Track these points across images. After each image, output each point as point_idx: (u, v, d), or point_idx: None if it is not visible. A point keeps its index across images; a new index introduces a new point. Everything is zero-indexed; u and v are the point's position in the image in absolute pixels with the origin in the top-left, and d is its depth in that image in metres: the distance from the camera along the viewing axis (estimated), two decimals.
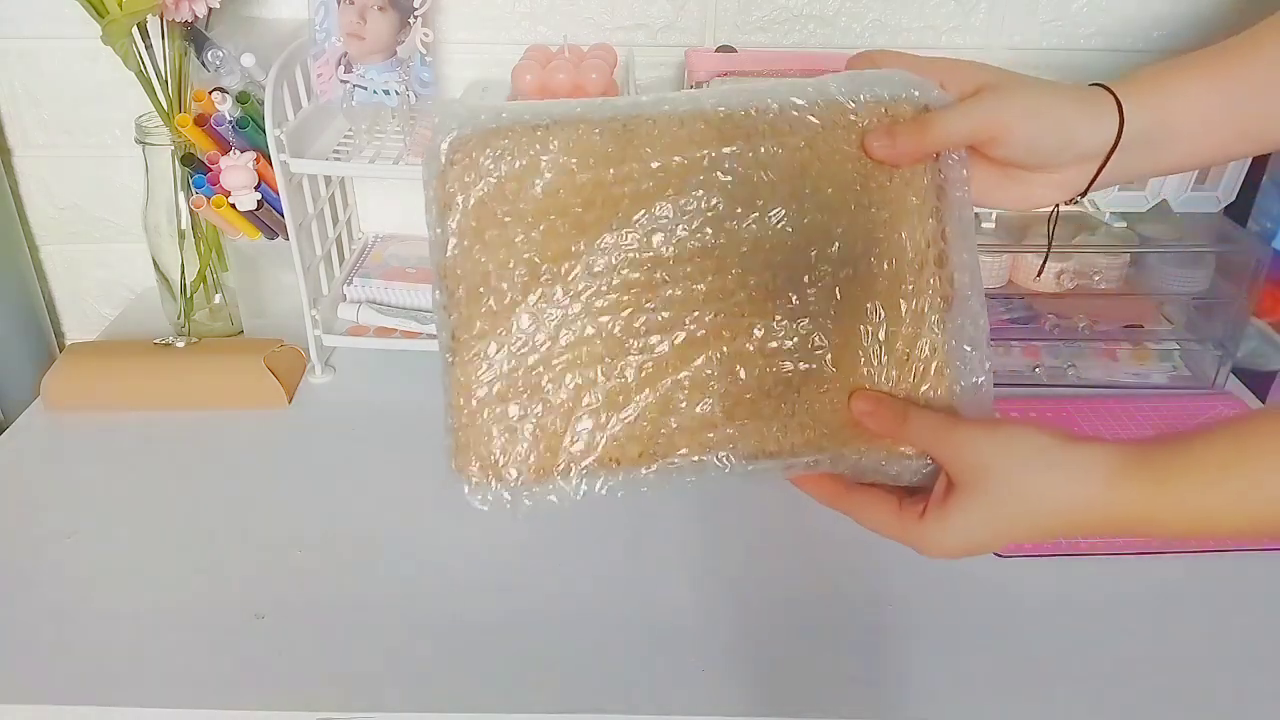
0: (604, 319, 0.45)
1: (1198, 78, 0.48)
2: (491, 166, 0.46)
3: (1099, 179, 0.49)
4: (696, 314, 0.45)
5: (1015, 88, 0.47)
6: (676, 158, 0.44)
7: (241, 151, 0.81)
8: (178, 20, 0.77)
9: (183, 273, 0.89)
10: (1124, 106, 0.47)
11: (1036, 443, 0.42)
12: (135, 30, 0.77)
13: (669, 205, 0.44)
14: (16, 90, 0.94)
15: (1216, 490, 0.38)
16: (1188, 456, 0.39)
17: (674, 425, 0.45)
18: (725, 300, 0.45)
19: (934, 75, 0.47)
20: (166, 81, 0.82)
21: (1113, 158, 0.47)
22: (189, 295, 0.90)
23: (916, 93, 0.45)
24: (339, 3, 0.75)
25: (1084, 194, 0.50)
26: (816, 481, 0.48)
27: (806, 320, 0.45)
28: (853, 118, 0.45)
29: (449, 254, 0.48)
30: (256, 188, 0.82)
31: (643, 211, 0.44)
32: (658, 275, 0.45)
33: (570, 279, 0.45)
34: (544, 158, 0.45)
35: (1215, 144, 0.49)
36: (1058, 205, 0.51)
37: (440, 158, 0.47)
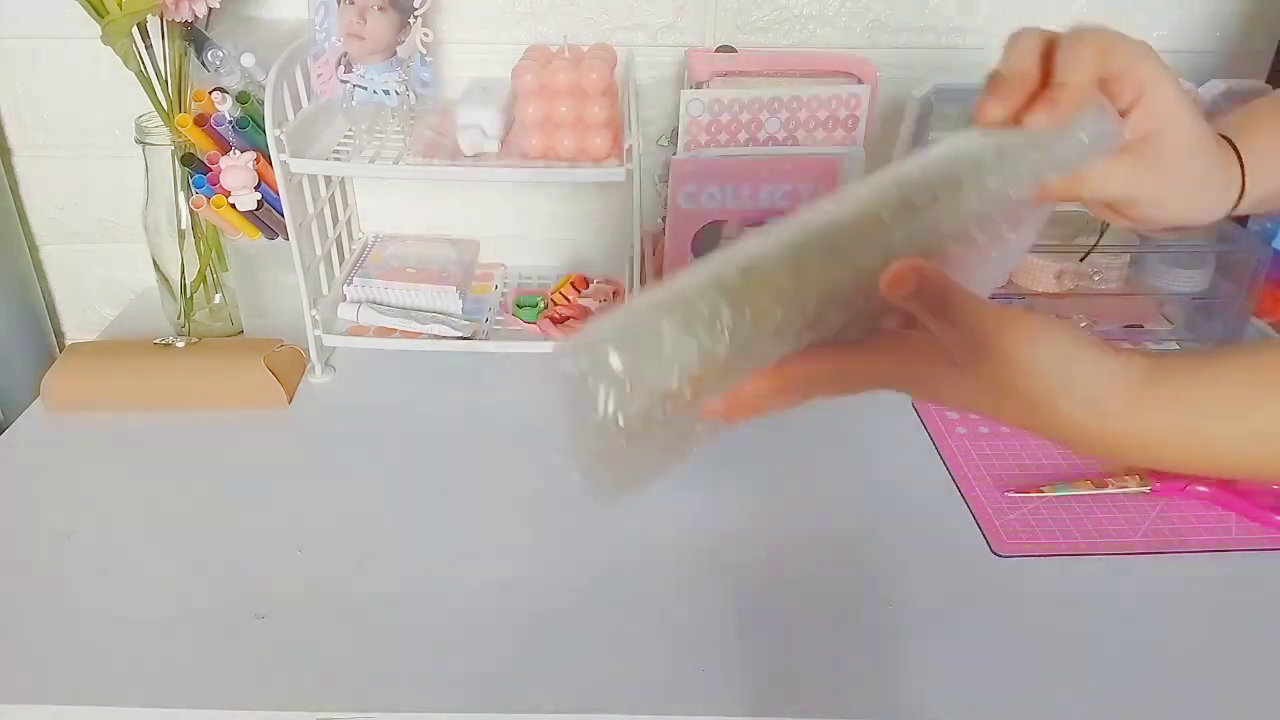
0: None
1: None
2: None
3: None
4: None
5: (1176, 153, 0.45)
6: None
7: (241, 151, 0.81)
8: (178, 20, 0.77)
9: (183, 273, 0.89)
10: (1246, 180, 0.48)
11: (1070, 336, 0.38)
12: (135, 30, 0.77)
13: None
14: (16, 90, 0.94)
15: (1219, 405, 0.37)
16: (1197, 373, 0.38)
17: None
18: None
19: (1121, 88, 0.45)
20: (166, 81, 0.82)
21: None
22: (189, 295, 0.90)
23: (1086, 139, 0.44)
24: (339, 3, 0.75)
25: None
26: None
27: None
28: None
29: None
30: (256, 188, 0.82)
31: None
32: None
33: None
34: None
35: None
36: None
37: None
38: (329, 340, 0.85)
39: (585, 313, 0.88)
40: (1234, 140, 0.49)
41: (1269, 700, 0.58)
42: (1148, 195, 0.46)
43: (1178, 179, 0.46)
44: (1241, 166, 0.48)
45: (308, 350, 0.86)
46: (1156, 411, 0.37)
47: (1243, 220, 0.86)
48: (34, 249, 1.03)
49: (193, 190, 0.82)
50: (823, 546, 0.68)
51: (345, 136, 0.83)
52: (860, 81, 0.84)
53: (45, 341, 1.03)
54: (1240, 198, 0.49)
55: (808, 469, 0.76)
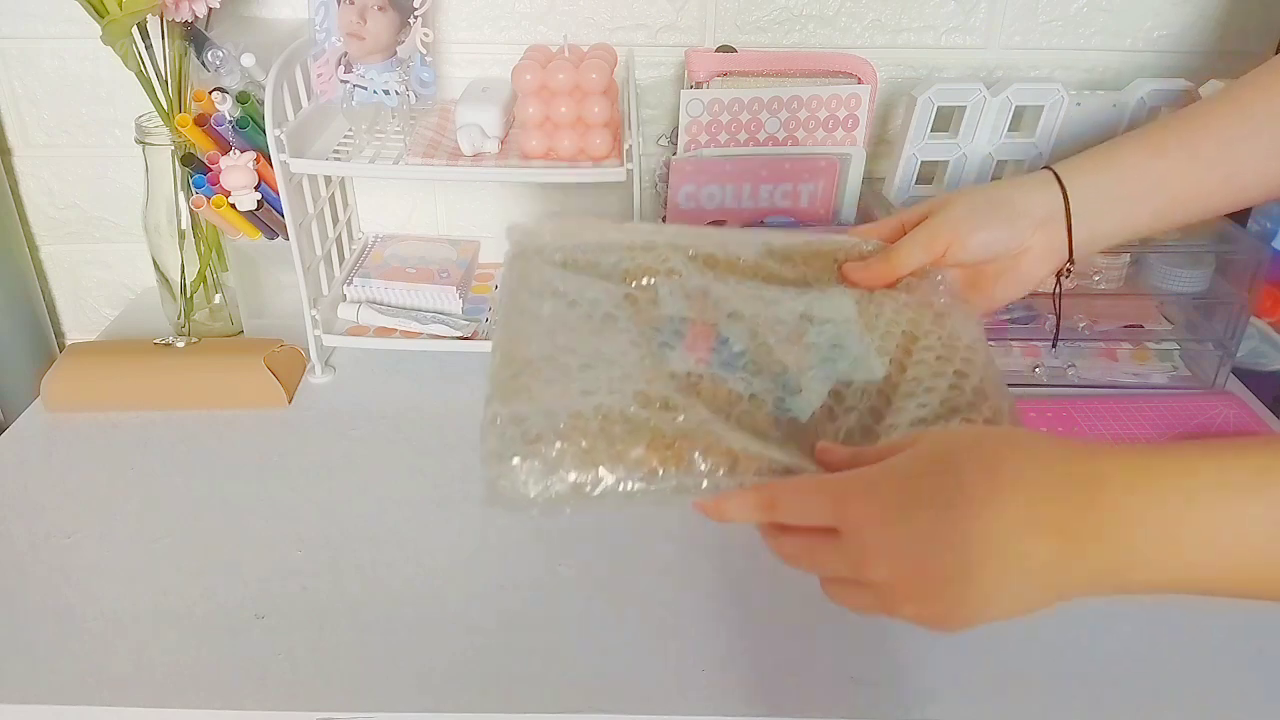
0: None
1: (1136, 147, 0.54)
2: None
3: (1076, 244, 0.54)
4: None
5: (956, 198, 0.54)
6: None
7: (241, 151, 0.81)
8: (178, 20, 0.77)
9: (183, 273, 0.89)
10: (1061, 175, 0.53)
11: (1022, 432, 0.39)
12: (135, 30, 0.77)
13: None
14: (16, 90, 0.94)
15: (1253, 498, 0.33)
16: (1220, 460, 0.35)
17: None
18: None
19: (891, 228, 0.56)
20: (166, 81, 0.82)
21: (1080, 222, 0.53)
22: (189, 295, 0.90)
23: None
24: (339, 3, 0.75)
25: (1072, 261, 0.55)
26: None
27: None
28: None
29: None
30: (256, 188, 0.82)
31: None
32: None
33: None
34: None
35: (1172, 204, 0.54)
36: (1058, 278, 0.57)
37: None
38: (329, 340, 0.85)
39: None
40: (1092, 156, 0.55)
41: (1269, 700, 0.58)
42: (950, 236, 0.53)
43: (960, 214, 0.54)
44: (1056, 173, 0.54)
45: (308, 350, 0.86)
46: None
47: (1242, 220, 0.86)
48: (34, 249, 1.03)
49: (193, 190, 0.82)
50: None
51: (345, 136, 0.83)
52: (860, 81, 0.84)
53: (45, 341, 1.03)
54: (1066, 197, 0.54)
55: None
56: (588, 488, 0.48)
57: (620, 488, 0.48)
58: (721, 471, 0.48)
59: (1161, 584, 0.35)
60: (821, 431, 0.51)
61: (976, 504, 0.36)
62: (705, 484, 0.48)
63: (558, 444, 0.48)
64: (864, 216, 0.90)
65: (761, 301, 0.59)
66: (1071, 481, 0.36)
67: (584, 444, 0.49)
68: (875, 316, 0.56)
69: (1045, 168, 0.55)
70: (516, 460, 0.48)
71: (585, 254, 0.61)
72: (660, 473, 0.48)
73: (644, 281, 0.60)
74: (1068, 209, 0.53)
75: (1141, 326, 0.87)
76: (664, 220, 0.88)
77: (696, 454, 0.48)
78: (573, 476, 0.48)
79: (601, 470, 0.48)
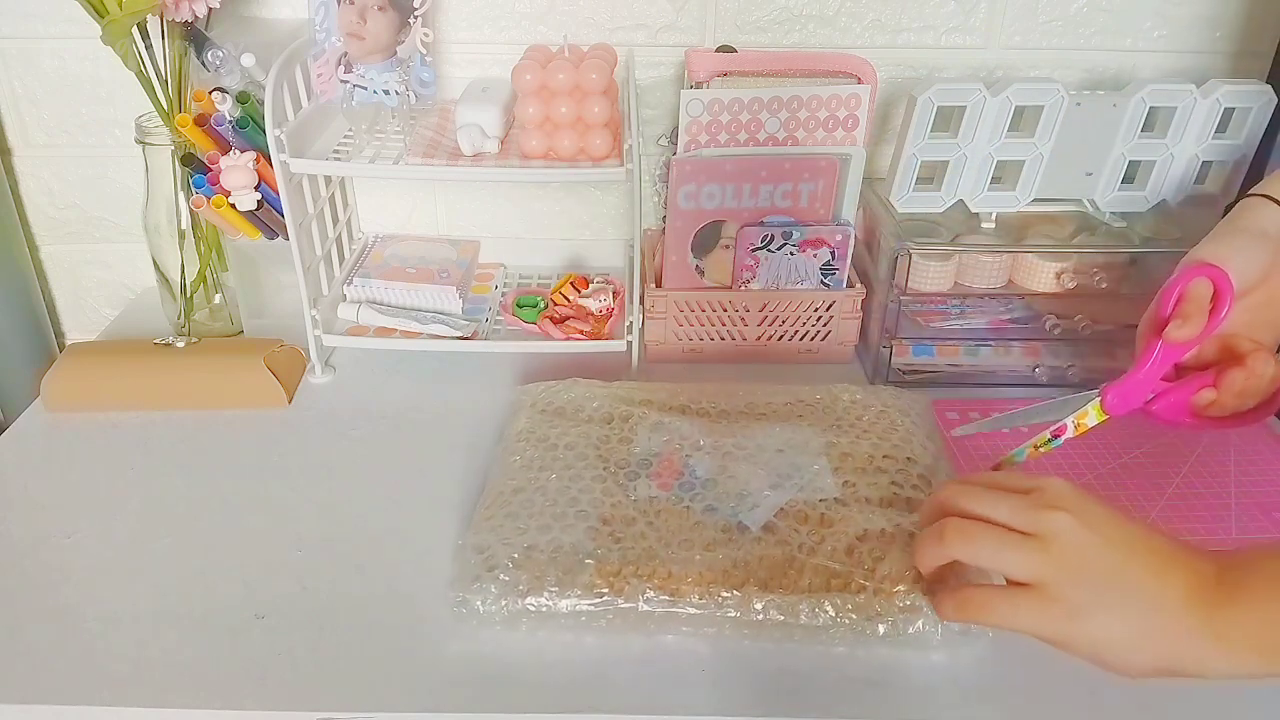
0: None
1: None
2: None
3: None
4: None
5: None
6: None
7: (241, 151, 0.81)
8: (178, 20, 0.77)
9: (183, 273, 0.89)
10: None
11: None
12: (135, 30, 0.77)
13: None
14: (16, 90, 0.94)
15: None
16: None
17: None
18: None
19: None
20: (166, 81, 0.82)
21: None
22: (189, 295, 0.90)
23: None
24: (339, 3, 0.75)
25: None
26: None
27: None
28: None
29: None
30: (256, 188, 0.82)
31: None
32: None
33: None
34: None
35: None
36: None
37: None
38: (329, 340, 0.85)
39: (585, 313, 0.88)
40: None
41: (1270, 699, 0.57)
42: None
43: None
44: None
45: (308, 350, 0.86)
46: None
47: None
48: (34, 249, 1.03)
49: (193, 190, 0.82)
50: None
51: (345, 136, 0.83)
52: (860, 81, 0.84)
53: (45, 341, 1.03)
54: None
55: None
56: (542, 609, 0.57)
57: (570, 609, 0.58)
58: (663, 595, 0.57)
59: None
60: (770, 540, 0.61)
61: (1159, 541, 0.48)
62: (644, 605, 0.57)
63: (511, 572, 0.58)
64: (865, 216, 0.90)
65: (733, 437, 0.69)
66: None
67: (536, 573, 0.58)
68: (843, 456, 0.67)
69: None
70: (476, 585, 0.58)
71: (575, 402, 0.74)
72: (606, 595, 0.57)
73: (626, 423, 0.71)
74: None
75: None
76: (664, 220, 0.88)
77: (636, 578, 0.58)
78: (526, 600, 0.57)
79: (548, 595, 0.57)
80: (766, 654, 0.59)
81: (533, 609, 0.58)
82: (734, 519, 0.62)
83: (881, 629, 0.57)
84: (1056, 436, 0.59)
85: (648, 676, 0.58)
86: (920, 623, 0.56)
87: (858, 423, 0.71)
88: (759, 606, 0.57)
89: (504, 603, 0.58)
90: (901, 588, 0.57)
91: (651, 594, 0.57)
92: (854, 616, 0.57)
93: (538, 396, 0.75)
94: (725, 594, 0.58)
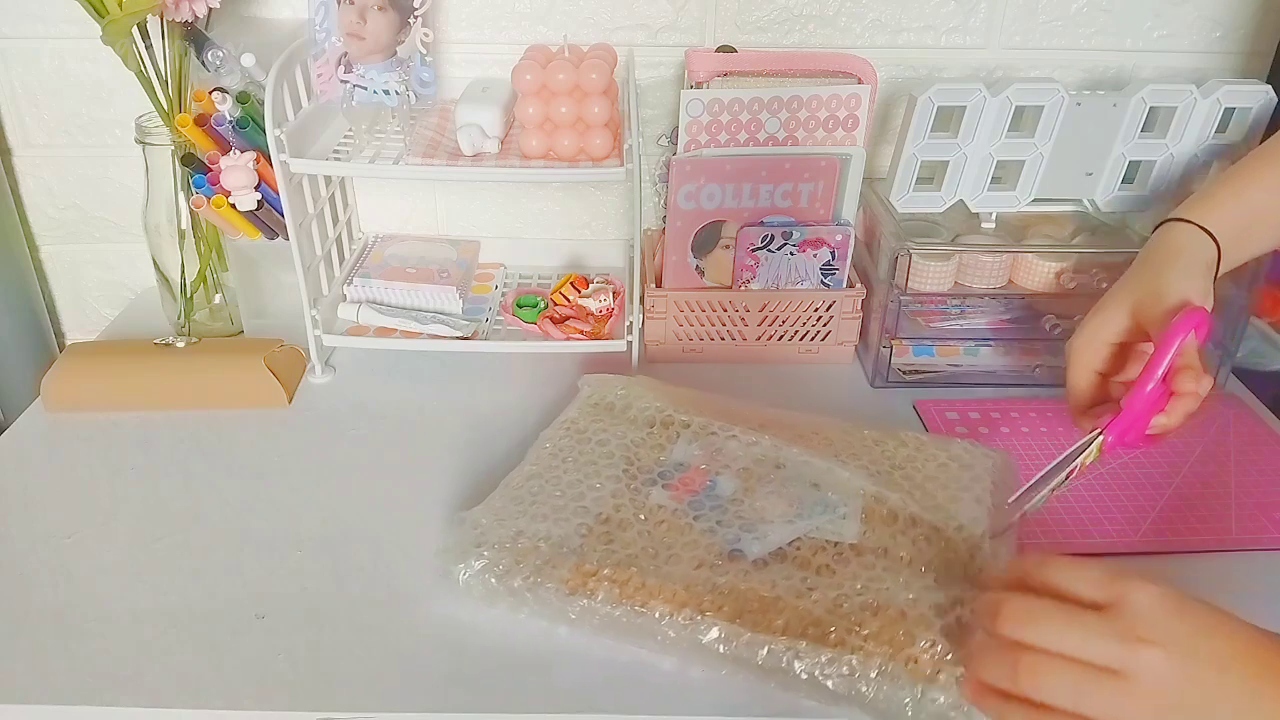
0: None
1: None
2: None
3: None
4: None
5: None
6: None
7: (241, 151, 0.81)
8: (178, 20, 0.77)
9: (183, 273, 0.89)
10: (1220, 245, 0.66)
11: None
12: (135, 30, 0.77)
13: None
14: (16, 90, 0.94)
15: None
16: None
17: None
18: None
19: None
20: (166, 81, 0.82)
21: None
22: (189, 295, 0.90)
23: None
24: (339, 3, 0.75)
25: None
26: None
27: None
28: None
29: None
30: (256, 188, 0.82)
31: None
32: None
33: None
34: None
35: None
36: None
37: None
38: (329, 340, 0.85)
39: (585, 313, 0.88)
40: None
41: None
42: None
43: None
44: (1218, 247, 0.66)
45: (308, 350, 0.86)
46: None
47: None
48: (34, 249, 1.03)
49: (193, 190, 0.82)
50: None
51: (345, 136, 0.83)
52: (860, 81, 0.84)
53: (45, 341, 1.03)
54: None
55: None
56: (515, 592, 0.59)
57: (540, 599, 0.58)
58: (632, 604, 0.56)
59: None
60: (760, 574, 0.59)
61: (1260, 650, 0.46)
62: (609, 609, 0.57)
63: (494, 552, 0.60)
64: (865, 216, 0.90)
65: (776, 466, 0.66)
66: None
67: (517, 558, 0.59)
68: (876, 500, 0.63)
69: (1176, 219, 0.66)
70: (461, 556, 0.60)
71: (627, 399, 0.73)
72: (576, 594, 0.57)
73: (668, 429, 0.70)
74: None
75: None
76: (664, 220, 0.88)
77: (609, 582, 0.57)
78: (503, 581, 0.59)
79: (522, 581, 0.58)
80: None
81: (505, 591, 0.59)
82: (732, 544, 0.61)
83: (846, 689, 0.52)
84: (1070, 477, 0.61)
85: (648, 676, 0.58)
86: (905, 698, 0.52)
87: (916, 474, 0.67)
88: (714, 634, 0.55)
89: (483, 579, 0.59)
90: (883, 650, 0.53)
91: (620, 601, 0.57)
92: (826, 670, 0.53)
93: (595, 388, 0.75)
94: (688, 617, 0.56)
